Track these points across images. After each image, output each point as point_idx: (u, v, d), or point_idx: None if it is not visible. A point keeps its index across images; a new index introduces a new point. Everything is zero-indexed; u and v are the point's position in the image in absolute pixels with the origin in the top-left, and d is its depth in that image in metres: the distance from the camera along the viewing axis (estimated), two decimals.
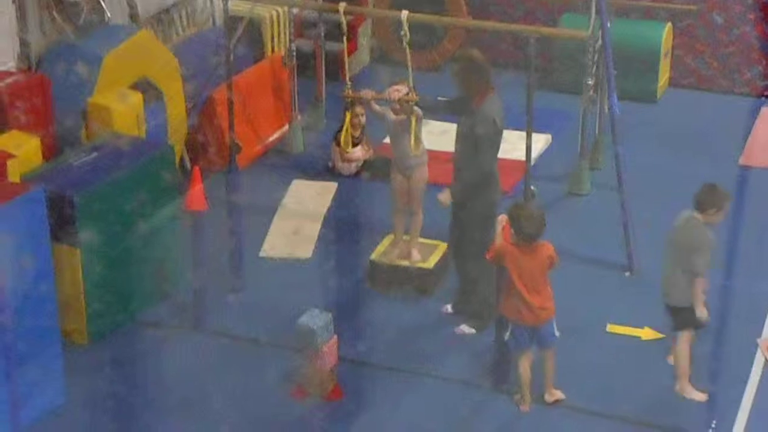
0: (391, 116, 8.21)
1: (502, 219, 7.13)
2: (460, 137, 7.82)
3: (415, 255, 8.42)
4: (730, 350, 7.51)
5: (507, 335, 7.11)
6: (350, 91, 8.35)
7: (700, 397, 7.23)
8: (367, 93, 8.28)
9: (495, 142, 7.73)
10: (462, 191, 7.75)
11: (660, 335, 7.77)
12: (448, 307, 8.17)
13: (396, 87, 8.07)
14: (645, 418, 7.15)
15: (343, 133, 8.93)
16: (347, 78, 8.41)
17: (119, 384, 7.43)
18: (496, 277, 7.24)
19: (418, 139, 8.11)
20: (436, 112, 8.14)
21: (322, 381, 7.17)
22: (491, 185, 7.79)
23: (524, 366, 7.14)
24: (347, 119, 8.84)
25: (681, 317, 7.18)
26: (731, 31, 11.84)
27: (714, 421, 7.06)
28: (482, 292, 7.86)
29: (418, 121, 8.08)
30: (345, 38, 8.40)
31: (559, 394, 7.21)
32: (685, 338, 7.20)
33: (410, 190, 8.31)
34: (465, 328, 7.95)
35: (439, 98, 8.20)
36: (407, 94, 7.99)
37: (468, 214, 7.83)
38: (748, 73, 11.91)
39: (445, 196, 7.81)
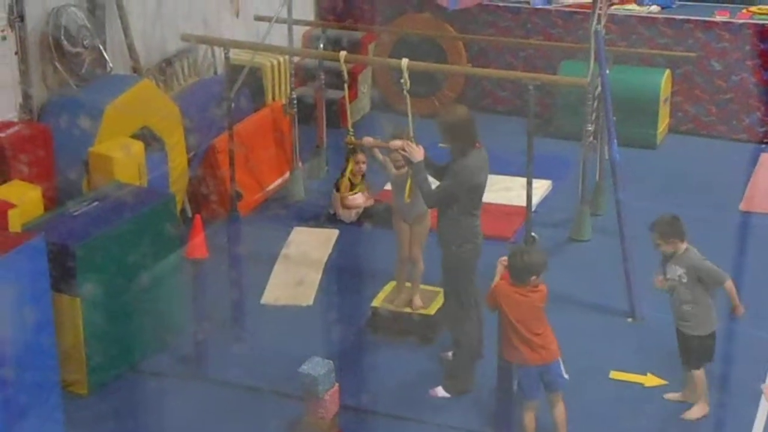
0: (393, 170, 8.22)
1: (503, 260, 7.07)
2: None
3: (417, 302, 8.40)
4: (734, 396, 7.46)
5: (516, 386, 6.99)
6: (352, 138, 8.38)
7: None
8: (368, 140, 8.30)
9: (466, 196, 7.48)
10: (440, 243, 7.66)
11: (663, 381, 7.73)
12: (449, 354, 8.12)
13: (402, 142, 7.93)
14: None
15: (344, 178, 8.88)
16: (349, 125, 8.44)
17: None
18: (498, 323, 7.17)
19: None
20: (432, 175, 7.94)
21: (324, 429, 7.12)
22: (466, 238, 7.53)
23: (529, 417, 7.03)
24: (349, 166, 8.80)
25: (702, 348, 7.25)
26: (730, 77, 11.91)
27: None
28: (462, 349, 7.69)
29: None
30: (346, 86, 8.43)
31: None
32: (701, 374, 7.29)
33: (413, 238, 8.30)
34: (439, 391, 7.72)
35: (440, 145, 8.18)
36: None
37: (445, 265, 7.69)
38: (746, 119, 11.96)
39: None
